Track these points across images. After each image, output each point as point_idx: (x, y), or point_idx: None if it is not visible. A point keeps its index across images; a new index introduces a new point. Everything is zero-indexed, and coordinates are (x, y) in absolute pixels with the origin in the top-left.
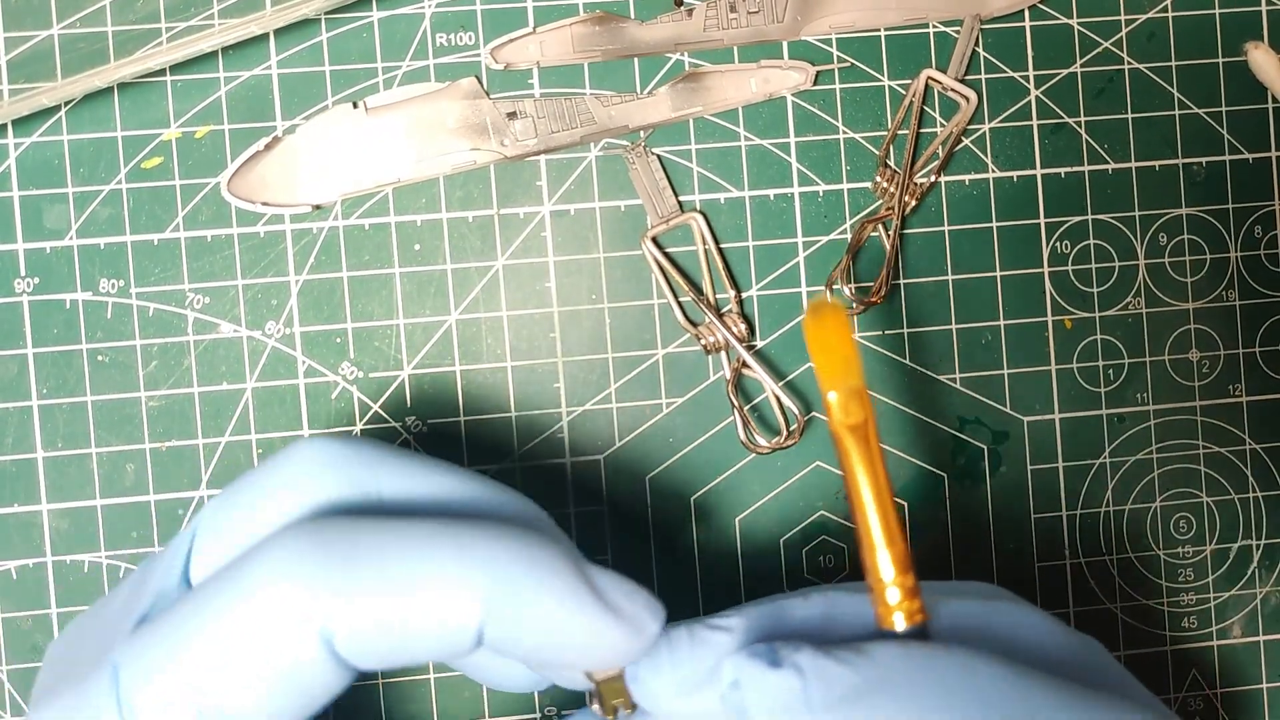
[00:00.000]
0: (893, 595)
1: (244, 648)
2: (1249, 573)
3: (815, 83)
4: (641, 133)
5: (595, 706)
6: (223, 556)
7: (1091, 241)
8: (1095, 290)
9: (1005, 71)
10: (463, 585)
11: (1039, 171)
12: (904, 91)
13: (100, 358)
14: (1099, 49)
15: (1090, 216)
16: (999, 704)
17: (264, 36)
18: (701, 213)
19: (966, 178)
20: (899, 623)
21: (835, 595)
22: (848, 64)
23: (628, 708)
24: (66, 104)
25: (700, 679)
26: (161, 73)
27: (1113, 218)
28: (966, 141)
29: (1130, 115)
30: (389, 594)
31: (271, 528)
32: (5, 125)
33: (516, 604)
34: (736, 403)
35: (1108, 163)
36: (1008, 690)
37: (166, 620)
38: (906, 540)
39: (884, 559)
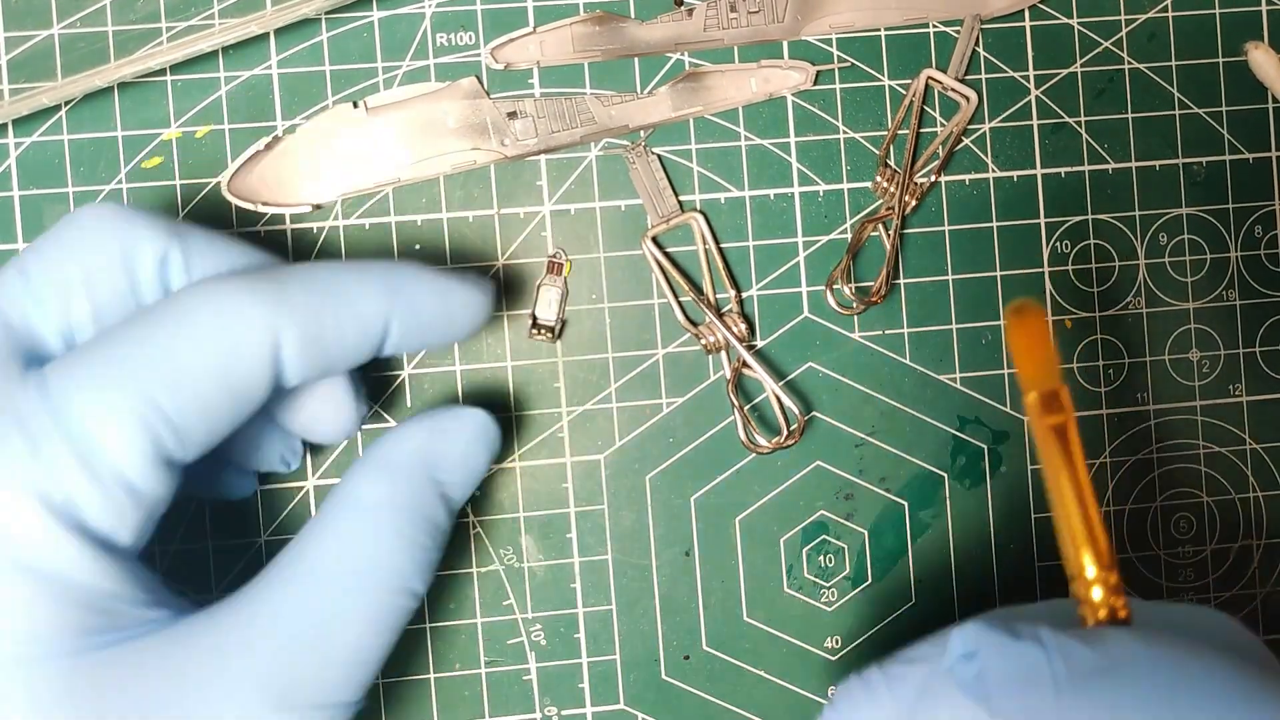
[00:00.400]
0: (1097, 592)
1: (192, 353)
2: (1249, 573)
3: (815, 82)
4: (642, 132)
5: None
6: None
7: (1091, 241)
8: (1095, 290)
9: (1005, 71)
10: (369, 288)
11: (1039, 171)
12: (904, 91)
13: None
14: (1099, 49)
15: (1090, 216)
16: (1237, 690)
17: (264, 36)
18: (702, 212)
19: (966, 178)
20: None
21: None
22: (848, 64)
23: None
24: (67, 104)
25: (901, 713)
26: (162, 73)
27: (1113, 218)
28: (967, 141)
29: (1130, 115)
30: (319, 301)
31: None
32: (5, 125)
33: (409, 296)
34: (736, 403)
35: (1108, 163)
36: (1243, 678)
37: (101, 339)
38: (1111, 538)
39: (1089, 556)
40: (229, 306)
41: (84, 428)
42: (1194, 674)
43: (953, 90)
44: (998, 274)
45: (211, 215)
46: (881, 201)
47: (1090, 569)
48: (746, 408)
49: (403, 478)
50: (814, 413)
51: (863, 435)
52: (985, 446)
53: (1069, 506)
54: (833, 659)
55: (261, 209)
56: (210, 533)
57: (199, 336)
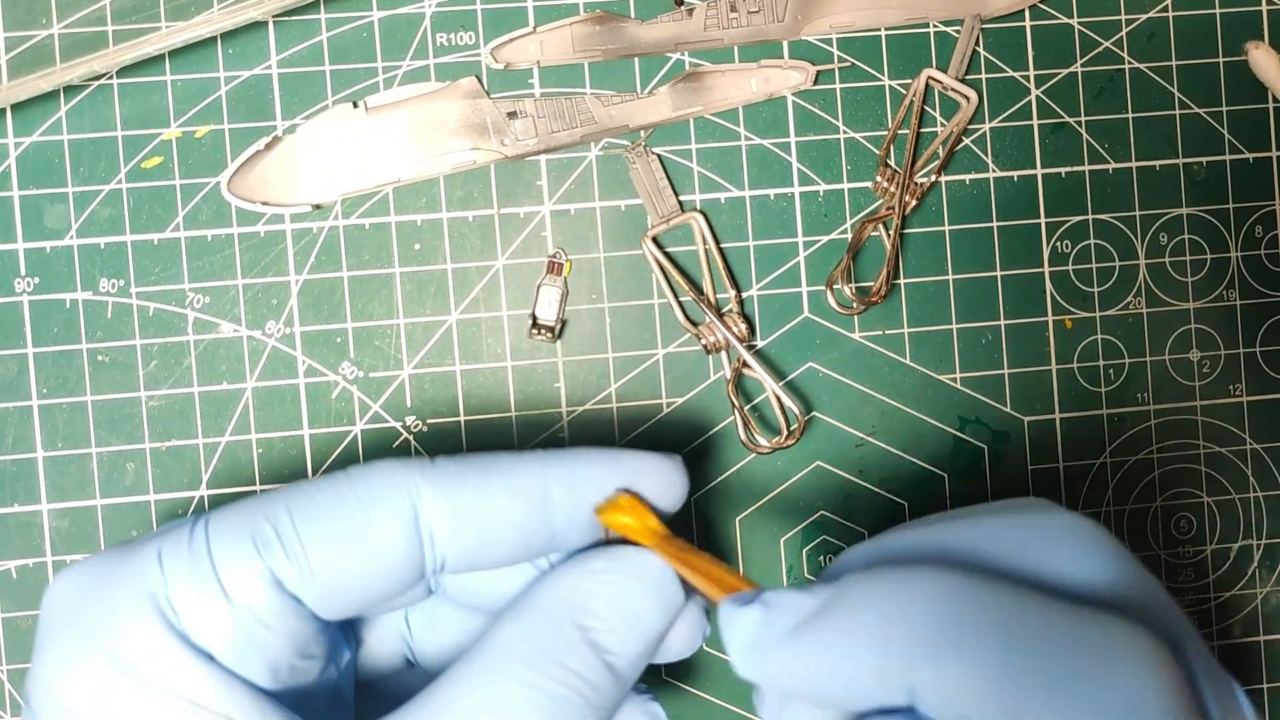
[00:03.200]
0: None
1: (328, 497)
2: (1249, 573)
3: (815, 82)
4: (642, 132)
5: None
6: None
7: (1091, 241)
8: (1095, 290)
9: (1005, 71)
10: (522, 457)
11: (1039, 171)
12: (904, 91)
13: (100, 357)
14: (1099, 49)
15: (1090, 216)
16: (966, 608)
17: (264, 36)
18: (702, 212)
19: (967, 178)
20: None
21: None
22: (848, 64)
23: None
24: (66, 97)
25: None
26: (161, 72)
27: (1113, 218)
28: (967, 141)
29: (1130, 115)
30: (462, 465)
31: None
32: (6, 127)
33: (567, 465)
34: (736, 403)
35: (1108, 163)
36: (980, 597)
37: (261, 496)
38: (730, 570)
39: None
40: (376, 465)
41: (213, 560)
42: (913, 594)
43: (953, 90)
44: (998, 274)
45: (212, 215)
46: (881, 201)
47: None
48: (746, 408)
49: (538, 621)
50: (814, 413)
51: (863, 435)
52: (985, 446)
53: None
54: None
55: (261, 209)
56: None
57: (338, 484)
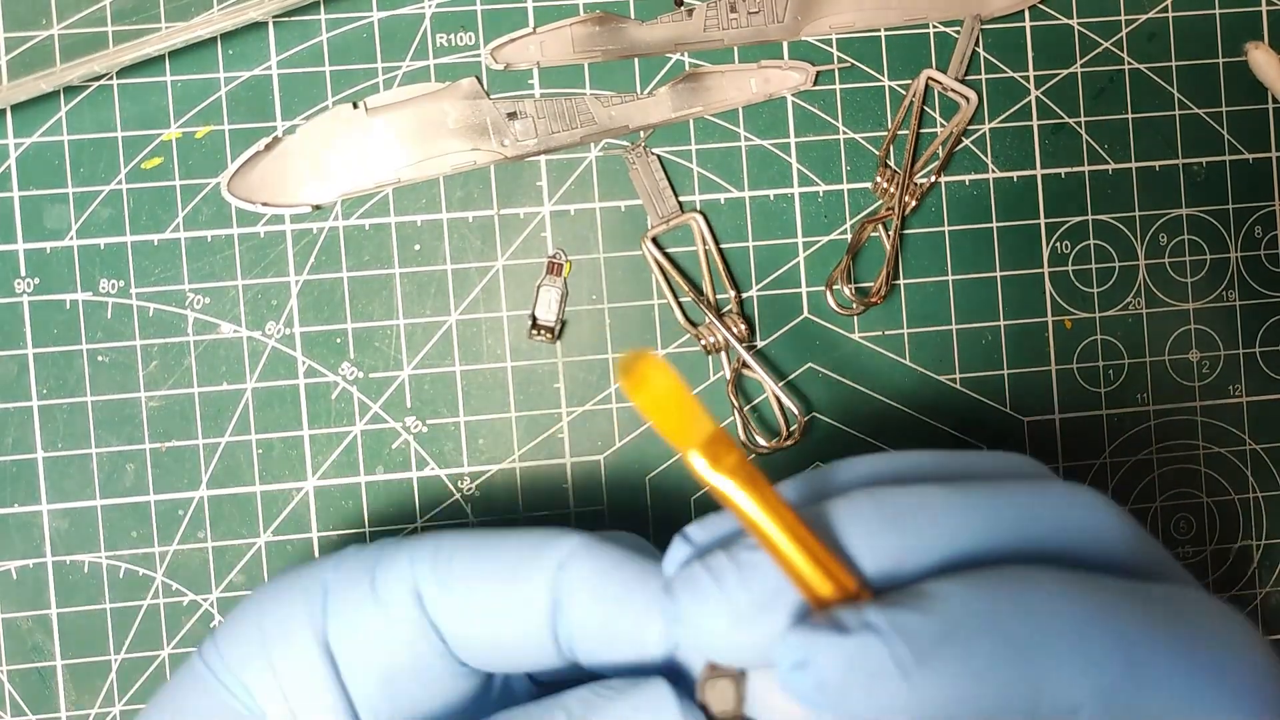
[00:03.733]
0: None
1: (496, 579)
2: (1249, 573)
3: (815, 83)
4: (641, 133)
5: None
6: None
7: (1091, 241)
8: (1095, 290)
9: (1005, 71)
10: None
11: (1039, 171)
12: (904, 92)
13: (100, 358)
14: (1099, 49)
15: (1090, 216)
16: (1086, 616)
17: (264, 36)
18: (701, 213)
19: (966, 178)
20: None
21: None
22: (848, 64)
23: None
24: (66, 98)
25: (756, 607)
26: (161, 73)
27: (1113, 218)
28: (966, 142)
29: (1130, 115)
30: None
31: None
32: (6, 127)
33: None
34: (736, 403)
35: (1108, 163)
36: (1088, 599)
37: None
38: (829, 552)
39: (819, 585)
40: (544, 533)
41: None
42: (1031, 606)
43: (953, 90)
44: (998, 274)
45: (212, 215)
46: (881, 202)
47: (823, 591)
48: (746, 408)
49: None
50: (814, 413)
51: (863, 436)
52: (985, 447)
53: (784, 548)
54: None
55: (261, 209)
56: (210, 535)
57: (507, 538)
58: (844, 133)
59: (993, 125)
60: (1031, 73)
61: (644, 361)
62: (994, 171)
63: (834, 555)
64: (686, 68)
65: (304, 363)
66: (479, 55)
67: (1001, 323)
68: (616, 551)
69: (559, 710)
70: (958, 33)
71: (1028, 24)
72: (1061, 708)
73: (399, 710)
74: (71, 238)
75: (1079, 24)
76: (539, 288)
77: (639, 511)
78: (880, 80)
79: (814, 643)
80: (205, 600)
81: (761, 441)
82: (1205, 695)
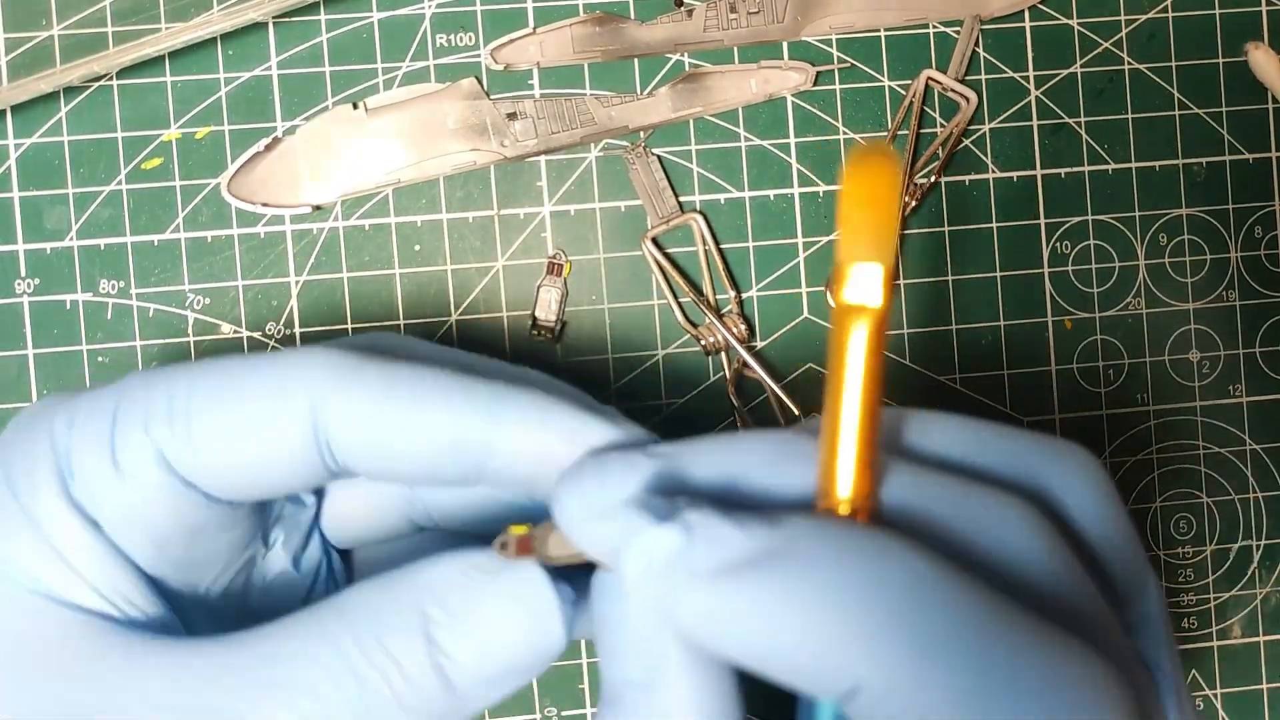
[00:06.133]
0: (844, 488)
1: (238, 412)
2: (1249, 573)
3: (815, 83)
4: (641, 133)
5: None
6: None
7: (1091, 241)
8: (1095, 290)
9: (1005, 72)
10: (448, 418)
11: (1039, 172)
12: (904, 92)
13: (100, 359)
14: (1099, 49)
15: (1090, 217)
16: (939, 611)
17: (264, 37)
18: (701, 213)
19: (967, 178)
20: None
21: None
22: (848, 64)
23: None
24: (66, 98)
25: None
26: (161, 73)
27: (1113, 218)
28: (966, 142)
29: (1130, 115)
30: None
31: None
32: (6, 128)
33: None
34: (737, 403)
35: (1108, 163)
36: (955, 598)
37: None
38: (869, 456)
39: (847, 462)
40: (285, 356)
41: (113, 429)
42: (865, 577)
43: (953, 91)
44: (997, 274)
45: (212, 216)
46: None
47: (845, 480)
48: (746, 409)
49: (390, 594)
50: (814, 413)
51: None
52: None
53: (846, 405)
54: None
55: (261, 210)
56: None
57: (244, 369)
58: (844, 133)
59: (993, 125)
60: (1031, 73)
61: (881, 159)
62: (994, 171)
63: (871, 461)
64: (686, 68)
65: None
66: (479, 56)
67: (1001, 323)
68: (370, 367)
69: (427, 596)
70: (958, 33)
71: (1028, 24)
72: (841, 681)
73: (182, 566)
74: (72, 238)
75: (1079, 24)
76: (539, 288)
77: None
78: (880, 80)
79: (634, 519)
80: None
81: None
82: None
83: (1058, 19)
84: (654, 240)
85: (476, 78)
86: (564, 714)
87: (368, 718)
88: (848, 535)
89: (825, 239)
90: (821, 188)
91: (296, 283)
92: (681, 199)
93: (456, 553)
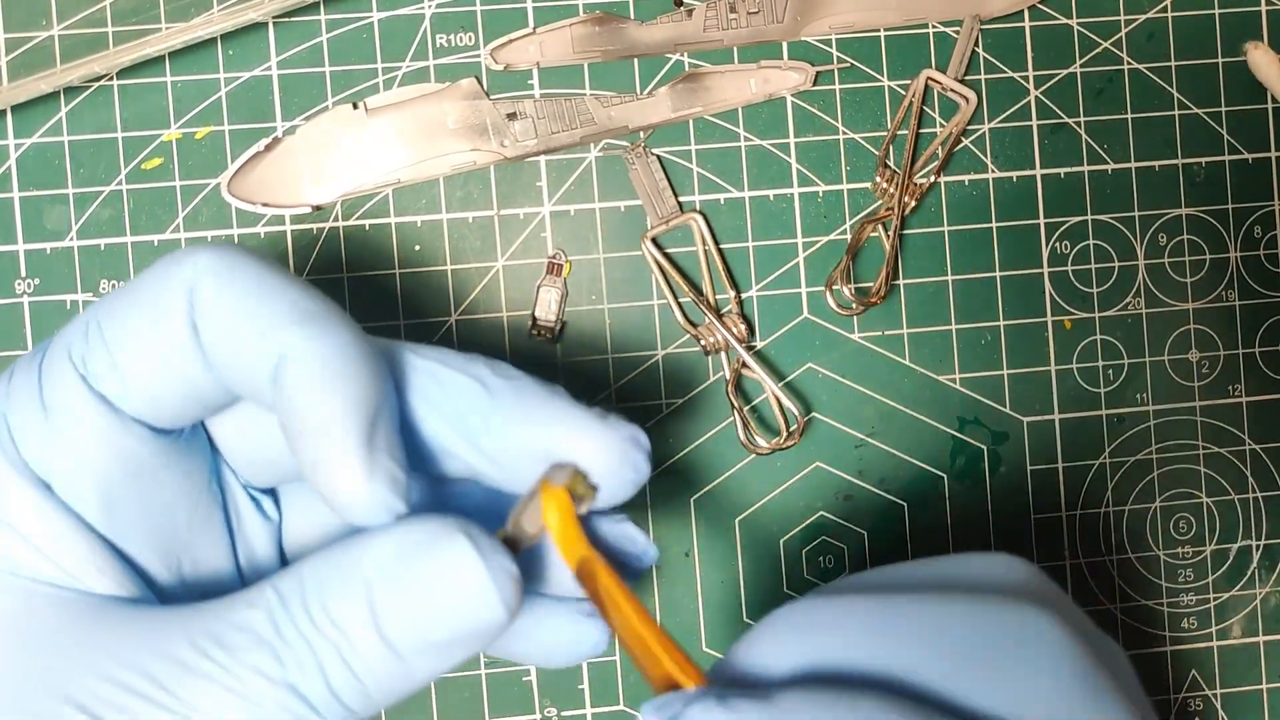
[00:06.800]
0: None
1: (135, 322)
2: (1249, 573)
3: (815, 83)
4: (641, 133)
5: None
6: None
7: (1091, 241)
8: (1095, 290)
9: (1005, 71)
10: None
11: (1039, 171)
12: (904, 92)
13: None
14: (1099, 49)
15: (1090, 216)
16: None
17: (264, 37)
18: (701, 213)
19: (966, 178)
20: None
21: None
22: (848, 64)
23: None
24: (66, 98)
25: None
26: (162, 73)
27: (1113, 218)
28: (966, 142)
29: (1130, 115)
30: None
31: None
32: (6, 128)
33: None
34: (736, 403)
35: (1108, 163)
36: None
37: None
38: (671, 645)
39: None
40: (172, 254)
41: (41, 373)
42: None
43: (952, 91)
44: (997, 274)
45: (212, 216)
46: (881, 202)
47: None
48: (746, 409)
49: (340, 560)
50: (813, 413)
51: (862, 436)
52: (985, 447)
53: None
54: None
55: (261, 210)
56: None
57: (140, 277)
58: (844, 133)
59: (992, 125)
60: (1031, 73)
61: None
62: (993, 171)
63: (662, 640)
64: (686, 68)
65: None
66: (479, 56)
67: (1001, 323)
68: (253, 265)
69: (370, 565)
70: (957, 33)
71: (1027, 24)
72: None
73: (142, 528)
74: (72, 238)
75: (1078, 24)
76: (539, 288)
77: (639, 512)
78: (880, 80)
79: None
80: None
81: (761, 442)
82: None
83: (1057, 19)
84: (654, 240)
85: (476, 78)
86: (564, 714)
87: (319, 679)
88: (828, 698)
89: (825, 239)
90: (821, 187)
91: None
92: (681, 199)
93: (402, 522)
